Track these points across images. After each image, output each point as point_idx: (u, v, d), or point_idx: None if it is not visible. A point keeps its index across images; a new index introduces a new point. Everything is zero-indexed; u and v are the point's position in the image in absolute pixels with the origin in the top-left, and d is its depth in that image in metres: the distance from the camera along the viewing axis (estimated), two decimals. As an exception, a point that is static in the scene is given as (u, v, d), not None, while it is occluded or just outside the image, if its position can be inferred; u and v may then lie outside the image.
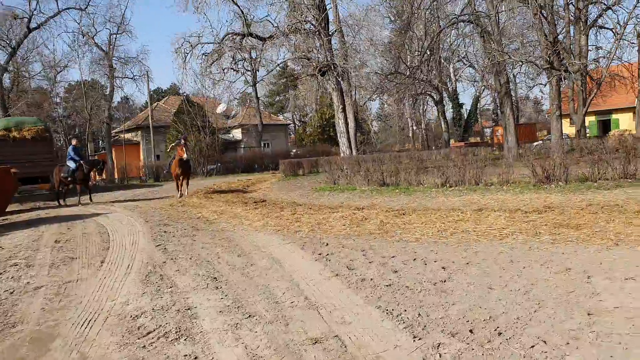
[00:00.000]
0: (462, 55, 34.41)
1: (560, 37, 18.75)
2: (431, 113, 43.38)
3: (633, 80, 21.21)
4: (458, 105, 38.31)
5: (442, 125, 29.18)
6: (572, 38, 19.65)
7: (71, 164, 13.65)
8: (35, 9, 28.03)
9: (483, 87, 37.60)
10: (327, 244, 6.00)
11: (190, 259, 5.64)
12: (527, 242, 5.38)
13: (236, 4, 14.70)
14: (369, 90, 21.50)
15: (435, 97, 29.27)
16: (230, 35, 14.62)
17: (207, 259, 5.55)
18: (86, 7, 30.37)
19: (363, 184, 12.55)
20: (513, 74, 35.30)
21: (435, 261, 4.85)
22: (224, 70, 14.68)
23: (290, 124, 53.30)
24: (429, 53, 19.12)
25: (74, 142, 14.43)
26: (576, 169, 10.22)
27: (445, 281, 4.15)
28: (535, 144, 28.53)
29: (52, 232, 8.44)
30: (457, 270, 4.49)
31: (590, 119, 33.85)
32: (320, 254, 5.42)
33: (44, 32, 33.50)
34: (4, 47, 28.47)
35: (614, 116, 34.03)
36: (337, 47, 17.17)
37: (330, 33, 15.78)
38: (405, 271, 4.56)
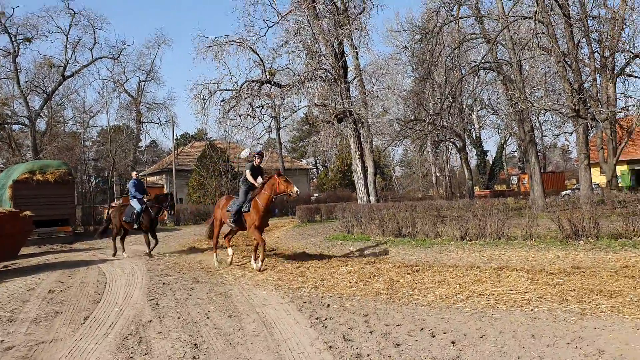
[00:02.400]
0: (486, 103, 34.15)
1: (586, 85, 18.26)
2: (455, 160, 42.69)
3: (667, 128, 20.27)
4: (482, 153, 37.64)
5: (466, 173, 28.45)
6: (598, 86, 19.12)
7: (136, 205, 10.86)
8: (70, 58, 29.69)
9: (508, 135, 36.96)
10: (328, 305, 5.48)
11: (179, 318, 5.21)
12: (552, 311, 4.74)
13: (256, 53, 14.99)
14: (389, 136, 21.25)
15: (457, 145, 28.74)
16: (248, 82, 14.82)
17: (195, 319, 5.10)
18: (118, 56, 32.01)
19: (378, 234, 11.98)
20: (539, 122, 34.68)
21: (444, 332, 4.28)
22: (240, 116, 14.75)
23: (312, 169, 53.45)
24: (450, 99, 18.87)
25: (133, 174, 11.71)
26: (608, 224, 9.38)
27: (453, 361, 3.58)
28: (563, 193, 27.35)
29: (51, 280, 8.19)
30: (468, 345, 3.90)
31: (622, 168, 32.39)
32: (317, 319, 4.90)
33: (77, 80, 35.18)
34: (39, 93, 29.98)
35: (648, 165, 32.59)
36: (356, 94, 17.18)
37: (348, 80, 15.82)
38: (409, 345, 3.99)
